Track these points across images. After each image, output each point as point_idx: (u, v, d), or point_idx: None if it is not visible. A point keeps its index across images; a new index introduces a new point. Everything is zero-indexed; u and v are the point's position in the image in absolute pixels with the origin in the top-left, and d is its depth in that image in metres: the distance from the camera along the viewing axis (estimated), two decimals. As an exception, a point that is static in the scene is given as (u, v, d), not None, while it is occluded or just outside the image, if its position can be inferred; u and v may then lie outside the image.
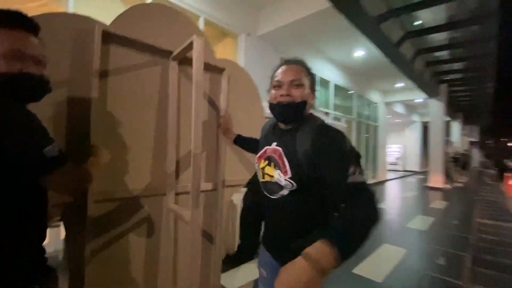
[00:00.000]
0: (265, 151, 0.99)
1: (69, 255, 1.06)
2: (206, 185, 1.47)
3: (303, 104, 0.89)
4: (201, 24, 3.68)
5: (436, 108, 8.93)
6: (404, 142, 16.11)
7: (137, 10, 1.20)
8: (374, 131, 9.93)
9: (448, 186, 8.88)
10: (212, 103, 1.50)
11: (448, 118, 11.85)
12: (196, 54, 1.03)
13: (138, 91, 1.22)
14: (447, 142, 10.98)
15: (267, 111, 2.08)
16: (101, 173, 1.01)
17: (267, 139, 1.02)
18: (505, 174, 10.23)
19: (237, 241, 2.61)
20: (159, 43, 1.24)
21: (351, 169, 0.74)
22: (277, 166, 0.91)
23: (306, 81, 0.90)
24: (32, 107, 0.70)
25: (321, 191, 0.84)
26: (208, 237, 1.52)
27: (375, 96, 9.70)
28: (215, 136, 1.52)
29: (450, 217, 4.93)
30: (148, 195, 1.25)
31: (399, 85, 9.29)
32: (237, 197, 2.62)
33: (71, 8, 2.61)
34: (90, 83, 1.03)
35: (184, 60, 1.33)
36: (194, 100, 1.02)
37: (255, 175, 1.68)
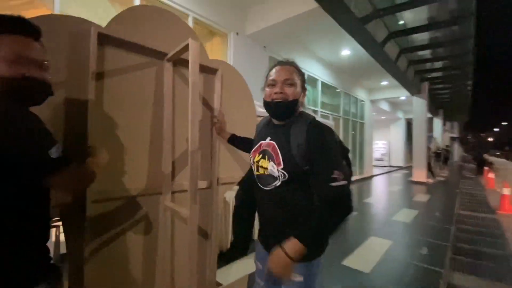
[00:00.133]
0: (260, 146, 1.06)
1: (68, 254, 1.07)
2: (201, 183, 1.51)
3: (295, 102, 0.98)
4: (190, 23, 3.67)
5: (419, 105, 9.28)
6: (389, 138, 16.61)
7: (131, 12, 1.21)
8: (361, 128, 10.18)
9: (430, 180, 9.25)
10: (206, 103, 1.54)
11: (430, 115, 12.33)
12: (192, 57, 1.06)
13: (134, 92, 1.24)
14: (430, 138, 11.42)
15: (259, 110, 2.13)
16: (99, 173, 1.03)
17: (261, 135, 1.09)
18: (484, 168, 10.74)
19: (230, 237, 2.65)
20: (153, 44, 1.26)
21: (336, 173, 0.84)
22: (270, 158, 0.98)
23: (298, 81, 0.99)
24: (31, 109, 0.72)
25: (307, 184, 0.93)
26: (203, 234, 1.55)
27: (361, 94, 9.95)
28: (209, 135, 1.55)
29: (432, 210, 5.17)
30: (145, 194, 1.28)
31: (384, 83, 9.57)
32: (230, 195, 2.66)
33: (57, 5, 2.55)
34: (87, 84, 1.05)
35: (179, 61, 1.36)
36: (191, 101, 1.06)
37: (248, 174, 1.74)
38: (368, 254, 2.91)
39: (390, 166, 15.77)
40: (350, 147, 9.22)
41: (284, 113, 1.00)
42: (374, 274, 2.44)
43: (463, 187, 7.79)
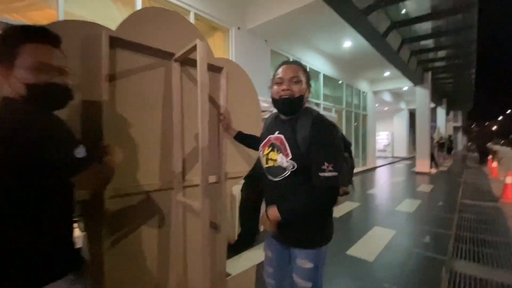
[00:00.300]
0: (268, 140, 1.14)
1: (89, 247, 1.14)
2: (210, 178, 1.56)
3: (301, 98, 1.05)
4: (191, 19, 3.68)
5: (422, 95, 9.22)
6: (392, 129, 16.56)
7: (139, 14, 1.25)
8: (363, 120, 10.17)
9: (434, 170, 9.27)
10: (213, 101, 1.58)
11: (433, 105, 12.24)
12: (201, 57, 1.10)
13: (144, 92, 1.28)
14: (433, 127, 11.37)
15: (263, 105, 2.17)
16: (115, 171, 1.09)
17: (270, 130, 1.17)
18: (488, 157, 10.71)
19: (237, 230, 2.73)
20: (161, 45, 1.30)
21: (325, 165, 0.93)
22: (279, 151, 1.06)
23: (303, 78, 1.06)
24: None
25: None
26: (213, 226, 1.62)
27: (363, 85, 9.90)
28: (217, 132, 1.60)
29: (435, 200, 5.21)
30: (158, 189, 1.34)
31: (387, 73, 9.50)
32: (236, 189, 2.72)
33: (60, 6, 2.58)
34: (100, 86, 1.09)
35: (186, 61, 1.40)
36: (200, 101, 1.10)
37: (253, 168, 1.80)
38: (372, 243, 2.98)
39: (393, 157, 15.77)
40: (353, 139, 9.23)
41: (291, 108, 1.07)
42: (378, 263, 2.51)
43: (466, 177, 7.81)
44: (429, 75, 9.05)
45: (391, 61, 6.56)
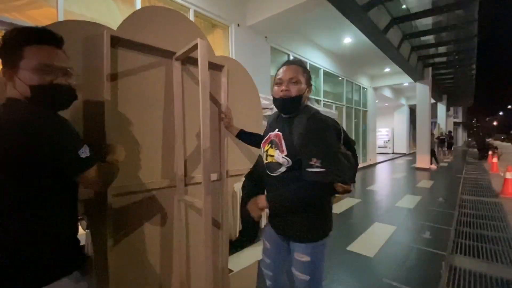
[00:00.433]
0: (269, 137, 1.19)
1: (93, 245, 1.16)
2: (212, 176, 1.58)
3: (299, 98, 1.09)
4: (190, 16, 3.67)
5: (422, 91, 9.20)
6: (393, 125, 16.54)
7: (140, 13, 1.25)
8: (364, 116, 10.16)
9: (434, 166, 9.28)
10: (214, 99, 1.59)
11: (433, 101, 12.22)
12: (202, 56, 1.10)
13: (145, 91, 1.29)
14: (433, 123, 11.37)
15: (263, 102, 2.17)
16: (118, 169, 1.10)
17: (271, 127, 1.22)
18: (488, 153, 10.71)
19: (238, 227, 2.75)
20: (162, 44, 1.31)
21: (313, 161, 0.97)
22: (277, 147, 1.11)
23: (302, 79, 1.09)
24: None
25: None
26: (215, 223, 1.64)
27: (363, 81, 9.87)
28: (218, 130, 1.61)
29: (436, 195, 5.24)
30: (160, 187, 1.35)
31: (387, 69, 9.47)
32: (238, 186, 2.74)
33: (60, 5, 2.57)
34: (102, 86, 1.10)
35: (187, 59, 1.40)
36: (202, 100, 1.11)
37: (255, 166, 1.81)
38: (372, 239, 3.00)
39: (394, 153, 15.78)
40: (353, 135, 9.24)
41: (289, 107, 1.12)
42: (378, 258, 2.53)
43: (466, 172, 7.82)
44: (429, 71, 9.02)
45: (391, 57, 6.53)
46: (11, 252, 0.69)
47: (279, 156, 1.08)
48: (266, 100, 2.77)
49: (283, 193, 1.06)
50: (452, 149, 14.54)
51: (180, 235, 1.44)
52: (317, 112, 1.10)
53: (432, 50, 7.83)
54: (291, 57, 5.94)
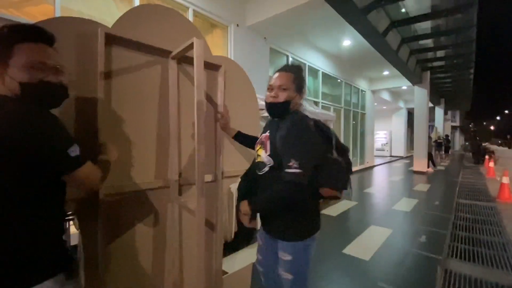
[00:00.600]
0: (261, 138, 1.25)
1: (84, 245, 1.14)
2: (206, 177, 1.56)
3: (287, 104, 1.15)
4: (190, 16, 3.66)
5: (420, 95, 9.24)
6: (391, 128, 16.59)
7: (136, 11, 1.24)
8: (362, 119, 10.18)
9: (431, 169, 9.31)
10: (210, 99, 1.57)
11: (431, 104, 12.27)
12: (197, 56, 1.09)
13: (140, 90, 1.27)
14: (431, 127, 11.41)
15: (261, 103, 2.17)
16: (110, 169, 1.08)
17: (264, 130, 1.27)
18: (485, 157, 10.76)
19: (234, 228, 2.73)
20: (158, 43, 1.29)
21: (291, 162, 1.01)
22: (264, 147, 1.18)
23: (292, 86, 1.15)
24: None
25: None
26: (209, 225, 1.62)
27: (362, 84, 9.90)
28: (214, 131, 1.60)
29: (432, 199, 5.25)
30: (154, 188, 1.33)
31: (386, 73, 9.50)
32: (234, 187, 2.72)
33: (57, 1, 2.54)
34: (95, 84, 1.08)
35: (183, 59, 1.39)
36: (196, 100, 1.09)
37: (250, 167, 1.80)
38: (368, 242, 3.00)
39: (391, 156, 15.82)
40: (351, 138, 9.25)
41: (276, 112, 1.19)
42: (374, 262, 2.52)
43: (463, 176, 7.85)
44: (427, 74, 9.06)
45: (390, 60, 6.55)
46: None
47: (264, 155, 1.16)
48: (263, 101, 2.75)
49: (265, 196, 1.11)
50: (449, 153, 14.61)
51: (174, 236, 1.42)
52: (304, 117, 1.14)
53: (430, 54, 7.87)
54: (290, 59, 5.94)
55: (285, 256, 1.14)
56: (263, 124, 1.45)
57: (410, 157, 13.87)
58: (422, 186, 6.54)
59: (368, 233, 3.30)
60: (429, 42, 6.91)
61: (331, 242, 2.94)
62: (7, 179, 0.67)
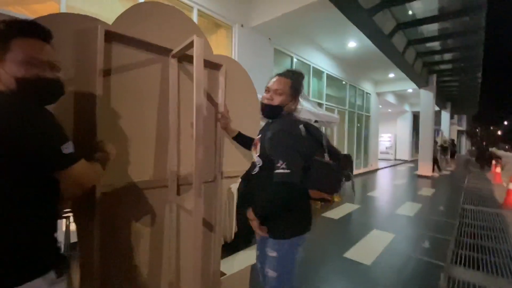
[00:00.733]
0: (256, 139, 1.29)
1: (80, 245, 1.12)
2: (206, 176, 1.55)
3: (279, 107, 1.20)
4: (194, 16, 3.66)
5: (426, 98, 9.13)
6: (395, 131, 16.43)
7: (137, 9, 1.23)
8: (366, 121, 10.10)
9: (436, 174, 9.19)
10: (210, 98, 1.56)
11: (437, 108, 12.13)
12: (197, 54, 1.08)
13: (140, 88, 1.26)
14: (436, 131, 11.27)
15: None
16: (108, 167, 1.07)
17: (260, 131, 1.30)
18: (491, 162, 10.59)
19: (234, 229, 2.71)
20: (158, 41, 1.28)
21: (280, 163, 1.04)
22: (255, 148, 1.23)
23: (288, 91, 1.20)
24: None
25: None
26: (208, 226, 1.60)
27: (367, 86, 9.82)
28: (214, 130, 1.58)
29: (436, 204, 5.16)
30: (152, 187, 1.32)
31: (391, 75, 9.42)
32: (235, 187, 2.70)
33: (63, 1, 2.56)
34: (94, 81, 1.07)
35: (183, 57, 1.37)
36: (196, 98, 1.08)
37: (250, 168, 1.79)
38: (370, 246, 2.95)
39: (396, 160, 15.67)
40: (355, 140, 9.18)
41: (269, 114, 1.24)
42: (375, 267, 2.48)
43: (469, 182, 7.72)
44: (434, 77, 8.95)
45: (396, 63, 6.49)
46: None
47: (255, 156, 1.22)
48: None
49: (262, 199, 1.15)
50: (455, 157, 14.41)
51: (171, 236, 1.40)
52: (293, 120, 1.18)
53: (437, 57, 7.77)
54: (295, 60, 5.91)
55: (271, 253, 1.17)
56: (263, 124, 1.44)
57: (414, 161, 13.72)
58: (426, 191, 6.45)
59: (370, 237, 3.25)
60: (436, 45, 6.82)
61: (332, 246, 2.90)
62: None
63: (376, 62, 7.46)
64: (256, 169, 1.22)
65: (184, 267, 1.48)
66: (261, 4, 4.33)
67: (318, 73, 6.89)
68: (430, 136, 9.04)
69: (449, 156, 13.22)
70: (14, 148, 0.66)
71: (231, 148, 1.68)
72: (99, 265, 1.15)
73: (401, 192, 6.33)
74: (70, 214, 1.17)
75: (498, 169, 8.11)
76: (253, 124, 1.78)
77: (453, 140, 15.02)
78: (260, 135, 1.25)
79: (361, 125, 9.71)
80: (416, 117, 15.15)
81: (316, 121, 4.78)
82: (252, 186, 1.28)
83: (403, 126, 16.37)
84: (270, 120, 1.26)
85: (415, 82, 8.62)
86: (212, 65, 1.52)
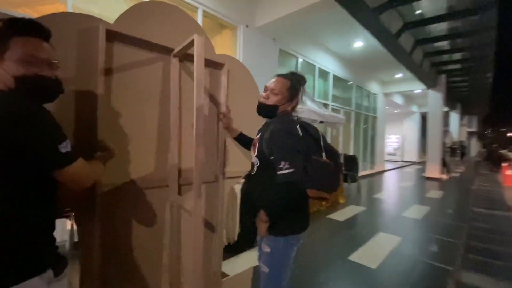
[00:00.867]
0: (255, 139, 1.29)
1: (81, 244, 1.12)
2: (207, 177, 1.54)
3: (274, 107, 1.21)
4: (199, 16, 3.66)
5: (434, 99, 8.96)
6: (403, 132, 16.18)
7: (139, 8, 1.22)
8: (373, 122, 9.97)
9: (445, 176, 9.00)
10: (212, 98, 1.55)
11: (446, 109, 11.89)
12: (197, 53, 1.07)
13: (141, 88, 1.26)
14: (445, 132, 11.05)
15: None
16: (108, 166, 1.07)
17: (259, 131, 1.30)
18: (500, 164, 10.32)
19: (237, 230, 2.69)
20: (160, 40, 1.28)
21: (282, 164, 1.05)
22: (254, 148, 1.24)
23: (285, 93, 1.21)
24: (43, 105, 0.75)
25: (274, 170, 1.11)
26: (209, 226, 1.59)
27: (374, 87, 9.70)
28: (216, 130, 1.57)
29: (445, 207, 5.05)
30: (153, 187, 1.31)
31: (398, 75, 9.28)
32: (239, 187, 2.69)
33: (69, 2, 2.59)
34: (96, 80, 1.07)
35: (185, 56, 1.37)
36: (196, 97, 1.07)
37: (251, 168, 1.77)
38: (376, 249, 2.89)
39: (403, 161, 15.42)
40: (361, 141, 9.08)
41: (263, 112, 1.26)
42: (381, 270, 2.43)
43: (479, 184, 7.54)
44: (443, 78, 8.78)
45: (403, 63, 6.37)
46: None
47: (253, 156, 1.23)
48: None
49: (271, 202, 1.14)
50: (464, 159, 14.12)
51: (172, 236, 1.39)
52: (290, 120, 1.18)
53: (446, 57, 7.61)
54: (300, 60, 5.88)
55: (265, 248, 1.19)
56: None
57: (422, 163, 13.49)
58: (434, 193, 6.32)
59: (376, 240, 3.19)
60: (445, 44, 6.68)
61: (336, 248, 2.86)
62: None
63: (383, 62, 7.35)
64: (254, 169, 1.23)
65: (185, 268, 1.47)
66: (266, 4, 4.32)
67: (323, 73, 6.83)
68: (438, 137, 8.87)
69: (458, 158, 12.95)
70: (12, 146, 0.66)
71: (233, 148, 1.67)
72: (99, 265, 1.15)
73: (409, 194, 6.22)
74: (68, 214, 1.16)
75: (509, 172, 7.90)
76: (255, 124, 1.75)
77: (462, 142, 14.71)
78: (259, 135, 1.25)
79: (367, 126, 9.59)
80: (424, 118, 14.89)
81: (321, 122, 4.74)
82: (251, 186, 1.29)
83: (411, 127, 16.11)
84: (268, 120, 1.27)
85: (423, 83, 8.46)
86: (214, 65, 1.51)
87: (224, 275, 1.87)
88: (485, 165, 13.26)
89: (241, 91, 1.68)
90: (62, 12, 1.07)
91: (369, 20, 4.08)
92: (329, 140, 6.94)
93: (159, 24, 1.28)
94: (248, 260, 2.46)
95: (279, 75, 1.24)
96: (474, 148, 23.59)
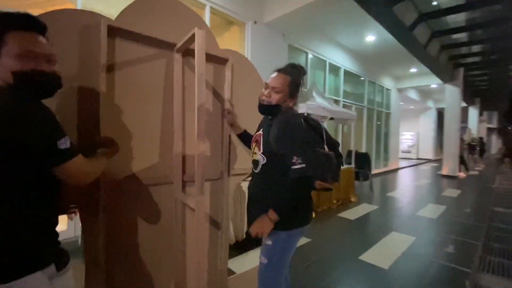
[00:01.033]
0: (255, 136, 1.28)
1: (85, 240, 1.13)
2: (212, 174, 1.52)
3: (277, 106, 1.18)
4: (206, 13, 3.65)
5: (452, 94, 8.60)
6: (418, 129, 15.67)
7: (141, 3, 1.21)
8: (386, 119, 9.71)
9: (462, 174, 8.66)
10: (216, 94, 1.52)
11: (465, 104, 11.41)
12: (198, 47, 1.04)
13: (144, 83, 1.25)
14: (463, 128, 10.62)
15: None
16: (111, 163, 1.06)
17: (259, 128, 1.30)
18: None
19: (245, 227, 2.68)
20: (163, 35, 1.26)
21: (295, 159, 1.06)
22: (257, 146, 1.22)
23: (286, 90, 1.18)
24: (45, 101, 0.75)
25: (282, 166, 1.11)
26: (214, 223, 1.57)
27: (387, 82, 9.43)
28: (220, 126, 1.55)
29: (462, 206, 4.85)
30: (157, 183, 1.31)
31: (413, 70, 8.97)
32: (246, 185, 2.67)
33: (79, 2, 2.64)
34: (98, 77, 1.07)
35: (188, 51, 1.35)
36: (197, 92, 1.05)
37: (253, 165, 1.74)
38: (388, 249, 2.81)
39: (418, 159, 14.96)
40: (374, 138, 8.86)
41: (266, 112, 1.23)
42: (393, 271, 2.35)
43: (499, 182, 7.19)
44: (460, 71, 8.40)
45: (418, 57, 6.14)
46: None
47: (258, 153, 1.20)
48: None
49: (283, 198, 1.12)
50: (484, 156, 13.54)
51: (177, 233, 1.39)
52: (294, 115, 1.17)
53: (464, 49, 7.27)
54: (310, 56, 5.77)
55: (267, 240, 1.18)
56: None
57: (439, 160, 13.04)
58: (451, 192, 6.08)
59: (389, 239, 3.10)
60: (463, 36, 6.37)
61: (347, 247, 2.79)
62: None
63: (396, 56, 7.12)
64: (259, 167, 1.20)
65: (190, 265, 1.46)
66: (274, 0, 4.25)
67: (334, 69, 6.69)
68: (456, 134, 8.52)
69: (477, 155, 12.43)
70: (11, 142, 0.65)
71: (239, 145, 1.64)
72: (104, 261, 1.15)
73: (424, 193, 6.01)
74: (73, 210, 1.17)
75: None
76: (260, 119, 1.73)
77: (481, 138, 14.09)
78: (261, 131, 1.22)
79: (380, 122, 9.35)
80: (440, 114, 14.36)
81: (331, 119, 4.64)
82: (258, 185, 1.25)
83: (427, 124, 15.56)
84: (270, 117, 1.24)
85: (439, 77, 8.14)
86: (218, 60, 1.49)
87: (231, 272, 1.86)
88: (506, 162, 12.66)
89: (246, 87, 1.64)
90: (63, 9, 1.06)
91: (381, 12, 3.94)
92: (340, 137, 6.75)
93: (161, 19, 1.27)
94: (256, 258, 2.43)
95: (279, 71, 1.21)
96: (495, 145, 22.57)
